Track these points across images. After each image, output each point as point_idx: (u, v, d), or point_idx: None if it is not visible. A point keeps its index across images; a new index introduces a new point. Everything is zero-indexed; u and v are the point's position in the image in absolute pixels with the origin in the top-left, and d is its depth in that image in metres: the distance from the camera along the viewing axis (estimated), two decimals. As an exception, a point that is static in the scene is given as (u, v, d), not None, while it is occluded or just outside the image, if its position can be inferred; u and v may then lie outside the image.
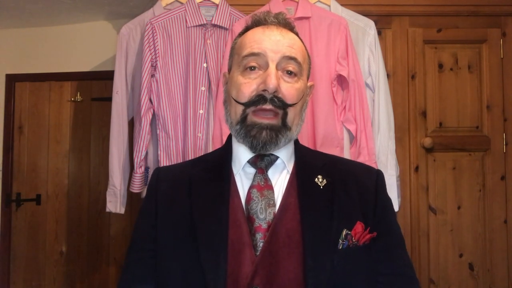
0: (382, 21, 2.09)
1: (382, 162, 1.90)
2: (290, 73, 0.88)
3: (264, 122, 0.86)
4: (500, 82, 2.13)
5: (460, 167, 2.11)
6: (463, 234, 2.09)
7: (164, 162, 1.87)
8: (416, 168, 2.09)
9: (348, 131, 1.87)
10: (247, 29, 0.94)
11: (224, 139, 1.76)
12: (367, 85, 1.93)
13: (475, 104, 2.13)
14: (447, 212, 2.09)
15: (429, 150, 2.09)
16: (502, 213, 2.10)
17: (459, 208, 2.09)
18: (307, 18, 1.84)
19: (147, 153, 1.91)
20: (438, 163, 2.10)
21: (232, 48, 0.96)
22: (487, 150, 2.12)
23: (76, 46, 3.02)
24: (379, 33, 2.04)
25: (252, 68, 0.87)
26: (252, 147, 0.87)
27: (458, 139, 2.11)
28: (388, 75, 2.03)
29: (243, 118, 0.87)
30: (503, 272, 2.07)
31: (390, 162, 1.91)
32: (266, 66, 0.87)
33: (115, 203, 2.01)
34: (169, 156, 1.88)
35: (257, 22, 0.93)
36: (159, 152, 1.88)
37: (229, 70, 0.96)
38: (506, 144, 2.12)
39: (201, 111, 1.88)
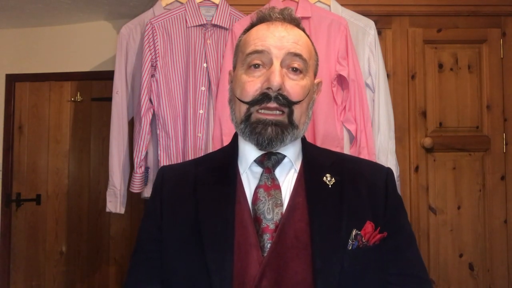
0: (382, 21, 2.09)
1: (382, 162, 1.89)
2: (295, 70, 0.85)
3: (269, 118, 0.84)
4: (500, 82, 2.13)
5: (460, 167, 2.11)
6: (463, 234, 2.08)
7: (164, 162, 1.87)
8: (416, 168, 2.09)
9: (348, 131, 1.87)
10: (252, 25, 0.92)
11: (224, 139, 1.76)
12: (367, 85, 1.93)
13: (475, 104, 2.13)
14: (447, 212, 2.09)
15: (429, 150, 2.09)
16: (502, 213, 2.10)
17: (459, 208, 2.09)
18: (307, 18, 1.84)
19: (147, 153, 1.91)
20: (438, 163, 2.10)
21: (237, 46, 0.93)
22: (487, 150, 2.12)
23: (76, 46, 3.02)
24: (379, 33, 2.04)
25: (256, 66, 0.85)
26: (258, 144, 0.85)
27: (458, 139, 2.11)
28: (388, 75, 2.03)
29: (247, 116, 0.85)
30: (503, 272, 2.07)
31: (390, 162, 1.91)
32: (270, 64, 0.84)
33: (115, 203, 2.01)
34: (169, 156, 1.88)
35: (262, 19, 0.90)
36: (159, 152, 1.88)
37: (234, 68, 0.94)
38: (506, 144, 2.12)
39: (201, 111, 1.88)
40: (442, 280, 2.06)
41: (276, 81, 0.82)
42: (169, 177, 0.94)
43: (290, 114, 0.85)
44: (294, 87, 0.85)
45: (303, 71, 0.87)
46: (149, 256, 0.88)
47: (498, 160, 2.11)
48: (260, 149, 0.88)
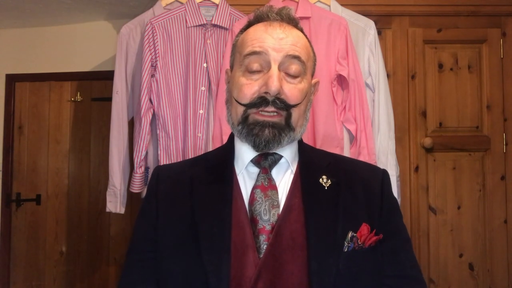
0: (382, 21, 2.09)
1: (382, 162, 1.90)
2: (293, 73, 0.85)
3: (266, 119, 0.83)
4: (500, 82, 2.13)
5: (460, 167, 2.11)
6: (463, 234, 2.08)
7: (164, 162, 1.87)
8: (416, 168, 2.09)
9: (348, 131, 1.87)
10: (249, 25, 0.91)
11: (224, 139, 1.76)
12: (367, 85, 1.93)
13: (475, 104, 2.13)
14: (447, 212, 2.09)
15: (429, 150, 2.09)
16: (502, 213, 2.10)
17: (459, 208, 2.09)
18: (307, 18, 1.84)
19: (147, 153, 1.91)
20: (438, 163, 2.10)
21: (234, 46, 0.92)
22: (487, 150, 2.12)
23: (76, 46, 3.02)
24: (379, 33, 2.04)
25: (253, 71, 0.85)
26: (255, 146, 0.85)
27: (458, 139, 2.11)
28: (388, 75, 2.03)
29: (245, 117, 0.85)
30: (503, 272, 2.07)
31: (390, 162, 1.91)
32: (268, 67, 0.84)
33: (115, 203, 2.01)
34: (169, 156, 1.88)
35: (260, 18, 0.89)
36: (159, 152, 1.88)
37: (231, 67, 0.93)
38: (506, 144, 2.12)
39: (201, 111, 1.88)
40: (442, 280, 2.06)
41: (274, 86, 0.81)
42: (164, 177, 0.93)
43: (288, 117, 0.84)
44: (292, 90, 0.84)
45: (301, 74, 0.86)
46: (143, 257, 0.87)
47: (498, 160, 2.11)
48: (257, 151, 0.87)
